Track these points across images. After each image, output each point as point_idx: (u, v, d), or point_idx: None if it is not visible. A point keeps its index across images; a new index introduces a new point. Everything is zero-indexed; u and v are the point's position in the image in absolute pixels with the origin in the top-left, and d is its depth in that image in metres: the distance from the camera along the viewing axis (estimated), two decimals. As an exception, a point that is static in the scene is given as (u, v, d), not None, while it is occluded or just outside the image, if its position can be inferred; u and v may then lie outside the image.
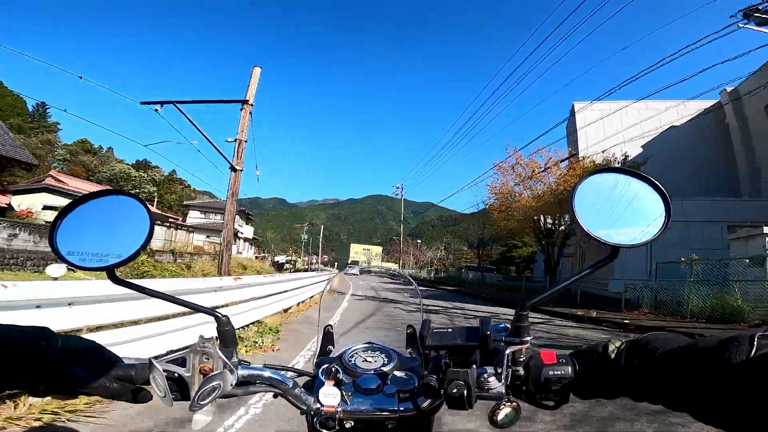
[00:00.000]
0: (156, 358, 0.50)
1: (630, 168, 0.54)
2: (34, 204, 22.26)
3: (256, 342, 4.95)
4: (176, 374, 0.50)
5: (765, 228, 9.87)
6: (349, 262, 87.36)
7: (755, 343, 0.35)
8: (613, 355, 0.46)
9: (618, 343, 0.47)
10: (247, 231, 45.34)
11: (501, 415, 0.47)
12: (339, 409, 0.52)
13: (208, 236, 34.07)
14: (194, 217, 42.51)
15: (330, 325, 0.74)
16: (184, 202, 49.34)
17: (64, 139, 64.27)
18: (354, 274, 36.40)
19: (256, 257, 43.63)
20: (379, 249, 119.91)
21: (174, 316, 3.70)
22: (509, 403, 0.48)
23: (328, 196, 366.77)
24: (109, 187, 0.47)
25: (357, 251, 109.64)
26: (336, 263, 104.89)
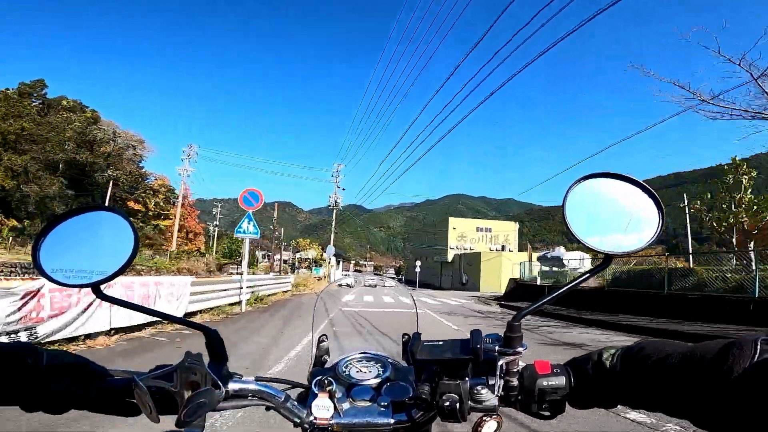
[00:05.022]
0: (141, 374, 0.50)
1: (622, 174, 0.52)
2: None
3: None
4: (164, 389, 0.49)
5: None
6: (449, 259, 51.09)
7: (758, 347, 0.34)
8: (608, 363, 0.45)
9: (612, 350, 0.46)
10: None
11: (485, 429, 0.47)
12: (333, 421, 0.52)
13: None
14: None
15: (324, 335, 0.73)
16: None
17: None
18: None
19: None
20: (512, 227, 58.75)
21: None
22: (495, 417, 0.48)
23: (405, 200, 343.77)
24: (92, 204, 0.60)
25: (463, 231, 55.24)
26: (406, 270, 62.46)
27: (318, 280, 32.08)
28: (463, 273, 44.47)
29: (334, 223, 37.85)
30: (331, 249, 29.44)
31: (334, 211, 37.75)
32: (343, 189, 37.65)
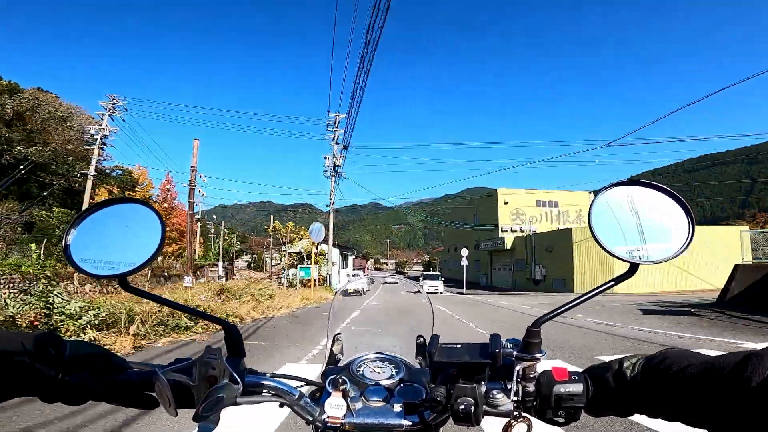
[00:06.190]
0: (161, 367, 0.51)
1: (650, 182, 0.51)
2: None
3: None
4: (182, 383, 0.50)
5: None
6: (507, 245, 37.38)
7: None
8: (628, 372, 0.45)
9: (633, 360, 0.46)
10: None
11: None
12: (345, 420, 0.52)
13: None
14: None
15: (339, 334, 0.74)
16: None
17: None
18: None
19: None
20: (585, 199, 41.29)
21: None
22: (522, 420, 0.47)
23: (423, 196, 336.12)
24: (121, 196, 0.47)
25: (518, 206, 40.54)
26: (439, 265, 47.80)
27: (305, 285, 19.28)
28: (535, 265, 30.27)
29: (333, 198, 24.73)
30: (317, 228, 15.64)
31: (332, 178, 24.57)
32: (345, 147, 24.34)
